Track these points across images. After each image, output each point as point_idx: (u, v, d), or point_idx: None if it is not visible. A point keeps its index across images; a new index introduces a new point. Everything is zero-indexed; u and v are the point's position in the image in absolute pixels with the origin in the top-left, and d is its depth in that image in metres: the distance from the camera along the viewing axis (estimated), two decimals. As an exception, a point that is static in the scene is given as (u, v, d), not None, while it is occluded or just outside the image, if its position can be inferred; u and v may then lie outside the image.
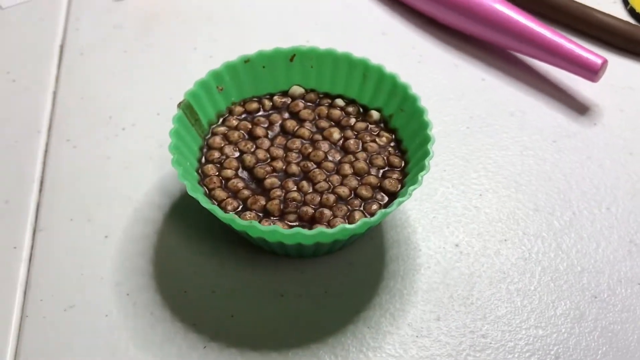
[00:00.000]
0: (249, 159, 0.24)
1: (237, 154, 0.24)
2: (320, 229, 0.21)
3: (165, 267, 0.24)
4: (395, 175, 0.24)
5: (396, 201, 0.21)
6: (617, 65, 0.31)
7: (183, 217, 0.26)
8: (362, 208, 0.23)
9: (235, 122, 0.25)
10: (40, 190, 0.27)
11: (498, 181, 0.27)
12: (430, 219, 0.26)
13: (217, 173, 0.24)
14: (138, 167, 0.27)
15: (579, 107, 0.30)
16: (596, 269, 0.24)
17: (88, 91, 0.30)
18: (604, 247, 0.25)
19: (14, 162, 0.28)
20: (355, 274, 0.24)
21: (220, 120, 0.26)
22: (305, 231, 0.21)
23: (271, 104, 0.26)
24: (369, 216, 0.22)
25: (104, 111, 0.29)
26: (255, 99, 0.26)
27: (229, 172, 0.24)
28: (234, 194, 0.23)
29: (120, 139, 0.28)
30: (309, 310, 0.23)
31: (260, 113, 0.26)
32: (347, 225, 0.21)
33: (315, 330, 0.23)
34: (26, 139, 0.28)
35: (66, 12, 0.34)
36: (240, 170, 0.24)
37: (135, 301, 0.23)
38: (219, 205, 0.23)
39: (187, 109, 0.24)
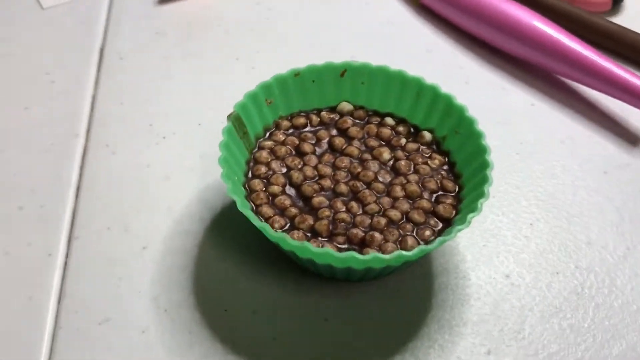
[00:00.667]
0: (296, 175, 0.23)
1: (284, 170, 0.24)
2: (375, 254, 0.20)
3: (205, 283, 0.23)
4: (449, 201, 0.23)
5: (455, 229, 0.21)
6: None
7: (224, 231, 0.25)
8: (414, 233, 0.22)
9: (282, 137, 0.25)
10: (77, 197, 0.26)
11: (549, 210, 0.26)
12: (480, 247, 0.25)
13: (264, 189, 0.23)
14: (178, 177, 0.26)
15: (631, 138, 0.29)
16: (653, 308, 0.23)
17: (128, 96, 0.30)
18: (661, 285, 0.24)
19: (50, 166, 0.27)
20: (402, 302, 0.23)
21: (267, 134, 0.25)
22: (359, 256, 0.20)
23: (319, 119, 0.25)
24: (422, 242, 0.22)
25: (145, 118, 0.29)
26: (303, 114, 0.25)
27: (275, 189, 0.23)
28: (281, 211, 0.22)
29: (160, 147, 0.28)
30: (354, 336, 0.22)
31: (308, 129, 0.25)
32: (404, 252, 0.20)
33: (359, 358, 0.22)
34: (64, 143, 0.28)
35: (107, 15, 0.33)
36: (287, 187, 0.23)
37: (173, 317, 0.22)
38: (265, 222, 0.22)
39: (237, 121, 0.24)
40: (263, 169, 0.24)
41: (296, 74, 0.25)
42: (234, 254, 0.24)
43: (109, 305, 0.23)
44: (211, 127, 0.28)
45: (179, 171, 0.27)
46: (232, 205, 0.26)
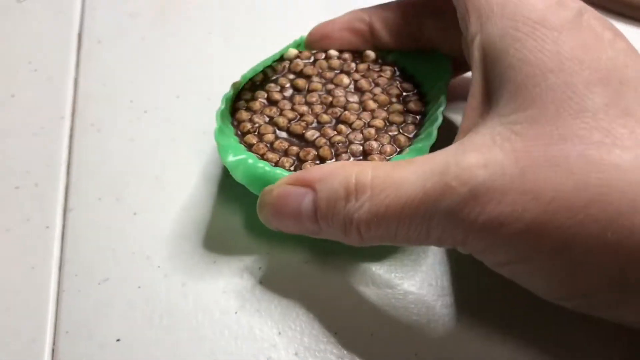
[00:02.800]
0: (281, 120, 0.25)
1: (267, 119, 0.25)
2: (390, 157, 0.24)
3: (194, 239, 0.25)
4: (415, 97, 0.26)
5: (439, 111, 0.23)
6: None
7: (209, 193, 0.26)
8: (401, 132, 0.25)
9: (249, 94, 0.26)
10: (68, 173, 0.28)
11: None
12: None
13: (259, 140, 0.25)
14: (162, 147, 0.28)
15: None
16: None
17: (108, 77, 0.31)
18: None
19: (41, 148, 0.28)
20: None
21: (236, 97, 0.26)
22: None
23: (273, 72, 0.27)
24: (411, 135, 0.25)
25: (125, 96, 0.30)
26: (259, 74, 0.27)
27: (270, 137, 0.25)
28: (284, 152, 0.24)
29: (142, 121, 0.29)
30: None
31: (270, 82, 0.27)
32: (418, 144, 0.24)
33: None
34: (51, 125, 0.29)
35: (82, 2, 0.35)
36: (277, 132, 0.25)
37: (166, 273, 0.24)
38: (276, 165, 0.24)
39: (236, 91, 0.26)
40: (249, 125, 0.25)
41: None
42: (219, 212, 0.26)
43: (106, 267, 0.24)
44: (189, 98, 0.30)
45: (161, 141, 0.28)
46: (211, 167, 0.27)
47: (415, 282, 0.24)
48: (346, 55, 0.27)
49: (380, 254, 0.24)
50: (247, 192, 0.23)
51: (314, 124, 0.25)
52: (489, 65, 0.20)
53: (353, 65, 0.27)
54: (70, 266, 0.25)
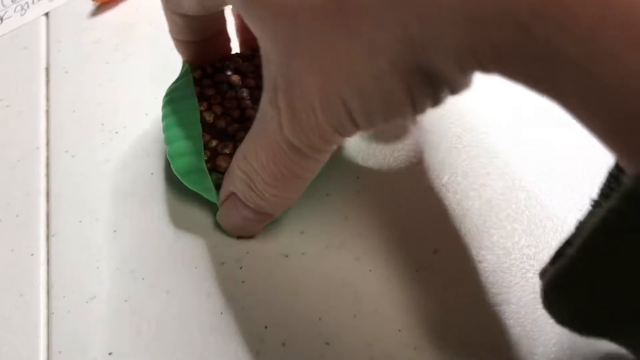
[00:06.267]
0: (207, 116, 0.26)
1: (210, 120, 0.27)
2: None
3: (174, 248, 0.26)
4: None
5: None
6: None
7: (184, 202, 0.27)
8: None
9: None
10: (48, 200, 0.28)
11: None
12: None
13: None
14: (136, 164, 0.29)
15: None
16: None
17: (78, 104, 0.32)
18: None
19: (19, 179, 0.29)
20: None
21: None
22: None
23: (212, 68, 0.28)
24: None
25: (96, 120, 0.31)
26: (197, 71, 0.28)
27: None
28: (204, 145, 0.25)
29: (115, 142, 0.30)
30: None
31: (206, 80, 0.28)
32: None
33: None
34: (28, 156, 0.30)
35: (46, 36, 0.36)
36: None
37: (150, 283, 0.25)
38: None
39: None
40: None
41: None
42: (196, 218, 0.26)
43: (92, 285, 0.25)
44: (157, 114, 0.31)
45: (135, 159, 0.29)
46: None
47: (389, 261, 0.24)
48: None
49: (351, 240, 0.25)
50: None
51: (240, 119, 0.26)
52: None
53: None
54: (58, 289, 0.25)
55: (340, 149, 0.28)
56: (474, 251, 0.24)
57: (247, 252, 0.25)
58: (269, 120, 0.20)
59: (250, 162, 0.22)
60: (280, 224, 0.26)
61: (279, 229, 0.26)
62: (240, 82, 0.27)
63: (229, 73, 0.28)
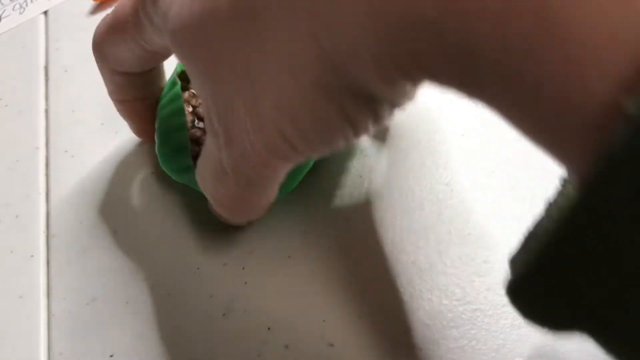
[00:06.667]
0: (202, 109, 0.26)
1: (190, 109, 0.26)
2: None
3: (176, 249, 0.25)
4: None
5: None
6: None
7: (186, 202, 0.27)
8: None
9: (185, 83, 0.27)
10: (47, 201, 0.28)
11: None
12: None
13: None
14: (136, 164, 0.28)
15: None
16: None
17: (77, 103, 0.32)
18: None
19: (19, 179, 0.29)
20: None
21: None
22: None
23: None
24: None
25: (96, 119, 0.31)
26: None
27: (189, 123, 0.26)
28: (195, 140, 0.25)
29: (115, 142, 0.30)
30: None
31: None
32: None
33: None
34: (27, 156, 0.30)
35: (45, 35, 0.35)
36: (195, 121, 0.26)
37: (151, 285, 0.24)
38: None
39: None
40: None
41: None
42: (200, 219, 0.26)
43: (93, 287, 0.25)
44: (158, 113, 0.30)
45: (135, 158, 0.29)
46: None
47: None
48: None
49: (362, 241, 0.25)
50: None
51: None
52: None
53: None
54: (58, 290, 0.25)
55: (343, 150, 0.28)
56: (479, 251, 0.24)
57: (250, 253, 0.25)
58: (210, 144, 0.20)
59: (204, 183, 0.22)
60: (283, 225, 0.25)
61: (282, 230, 0.25)
62: None
63: None
